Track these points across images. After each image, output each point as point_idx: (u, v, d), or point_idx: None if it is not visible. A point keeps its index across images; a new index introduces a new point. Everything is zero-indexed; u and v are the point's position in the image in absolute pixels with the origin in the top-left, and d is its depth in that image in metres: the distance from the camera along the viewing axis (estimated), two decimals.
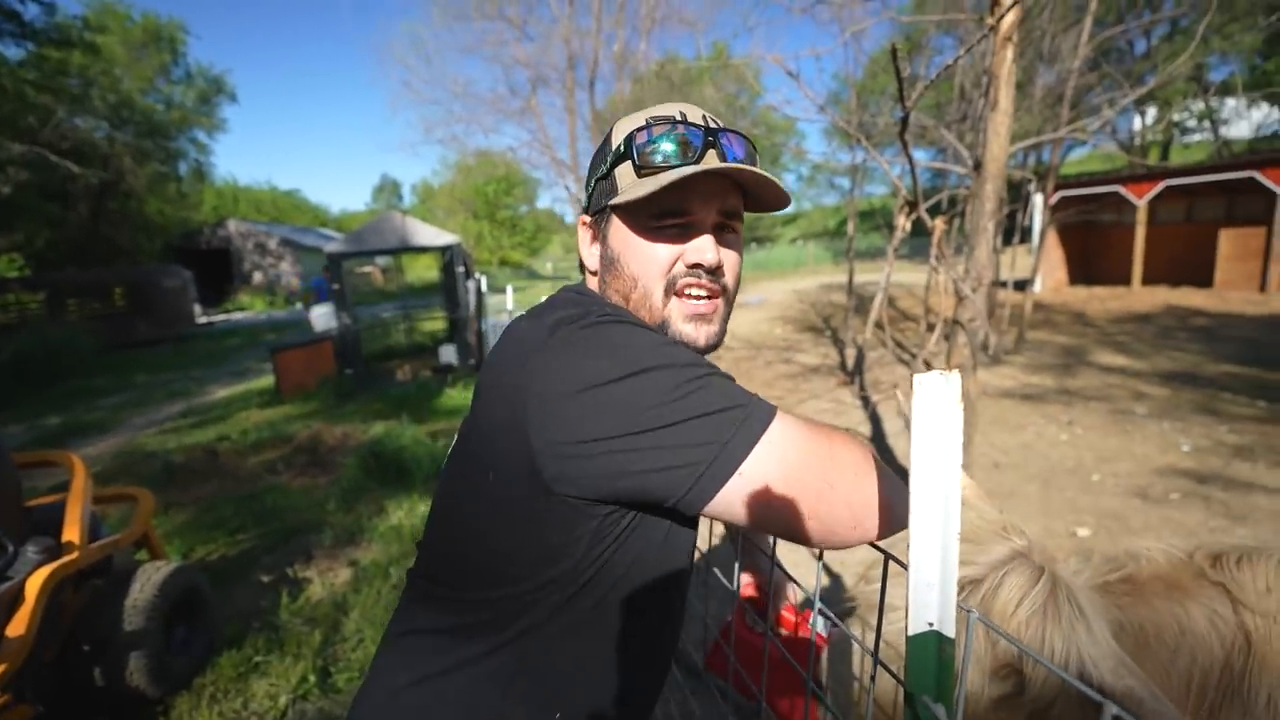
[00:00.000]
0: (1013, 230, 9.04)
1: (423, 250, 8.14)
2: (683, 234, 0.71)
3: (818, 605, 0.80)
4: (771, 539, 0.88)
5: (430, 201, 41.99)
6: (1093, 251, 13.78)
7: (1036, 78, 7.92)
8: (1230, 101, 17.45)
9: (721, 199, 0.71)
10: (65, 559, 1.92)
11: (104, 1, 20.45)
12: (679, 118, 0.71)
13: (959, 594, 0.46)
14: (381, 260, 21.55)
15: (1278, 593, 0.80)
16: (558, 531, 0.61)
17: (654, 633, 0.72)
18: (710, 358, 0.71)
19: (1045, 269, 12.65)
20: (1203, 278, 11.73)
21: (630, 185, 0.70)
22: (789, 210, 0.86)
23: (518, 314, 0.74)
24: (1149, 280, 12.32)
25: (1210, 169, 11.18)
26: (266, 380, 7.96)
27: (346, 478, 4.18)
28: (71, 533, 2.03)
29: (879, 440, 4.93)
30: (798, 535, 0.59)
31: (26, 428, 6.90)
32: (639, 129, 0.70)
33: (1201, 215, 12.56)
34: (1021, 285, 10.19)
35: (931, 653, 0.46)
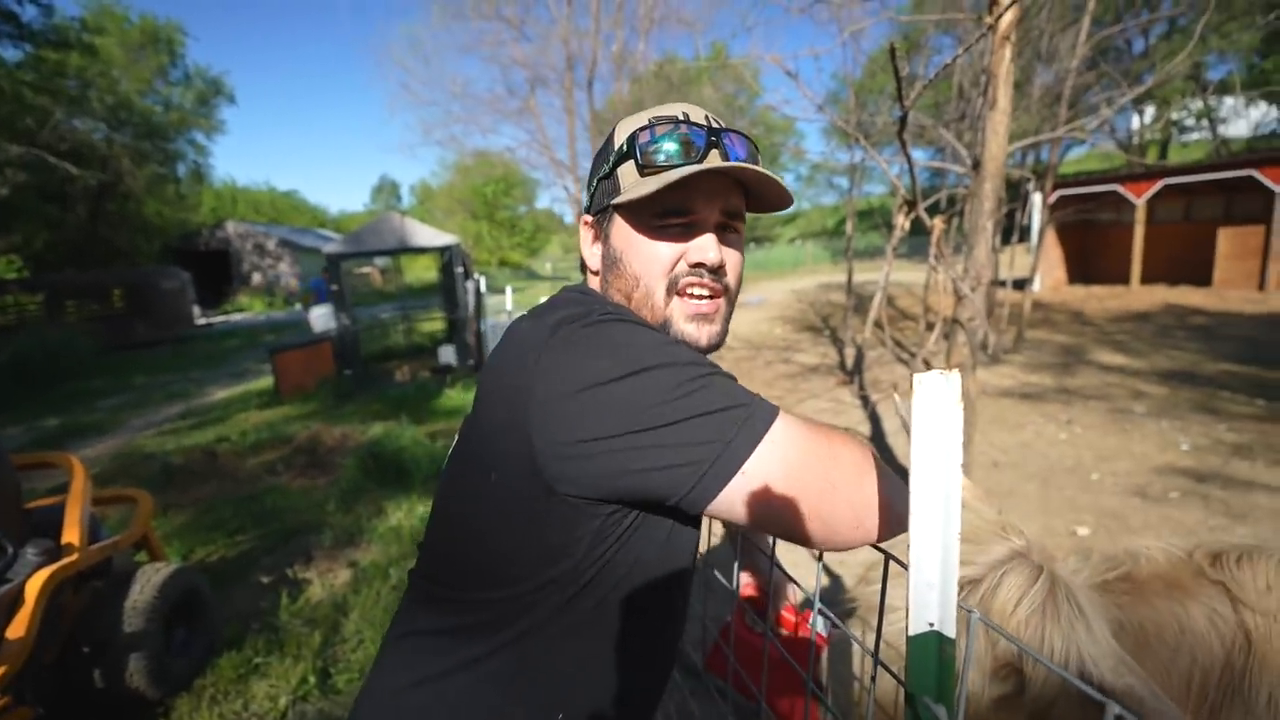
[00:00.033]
0: (1011, 229, 9.05)
1: (421, 251, 8.14)
2: (685, 233, 0.71)
3: (817, 605, 0.80)
4: (771, 539, 0.88)
5: (429, 202, 41.98)
6: (1091, 250, 13.80)
7: (1035, 77, 7.93)
8: (1228, 100, 17.47)
9: (724, 199, 0.71)
10: (65, 561, 1.92)
11: (102, 3, 20.43)
12: (682, 118, 0.71)
13: (957, 594, 0.46)
14: (380, 261, 21.58)
15: (1278, 591, 0.80)
16: (559, 531, 0.61)
17: (656, 633, 0.72)
18: (710, 358, 0.71)
19: (1044, 268, 12.66)
20: (1201, 276, 11.74)
21: (633, 184, 0.70)
22: (789, 210, 0.87)
23: (517, 314, 0.74)
24: (1148, 279, 12.33)
25: (1208, 168, 11.20)
26: (265, 381, 7.95)
27: (346, 479, 4.17)
28: (71, 534, 2.03)
29: (878, 439, 4.93)
30: (799, 535, 0.59)
31: (25, 429, 6.89)
32: (642, 128, 0.70)
33: (1200, 214, 12.58)
34: (1020, 284, 10.21)
35: (932, 653, 0.46)
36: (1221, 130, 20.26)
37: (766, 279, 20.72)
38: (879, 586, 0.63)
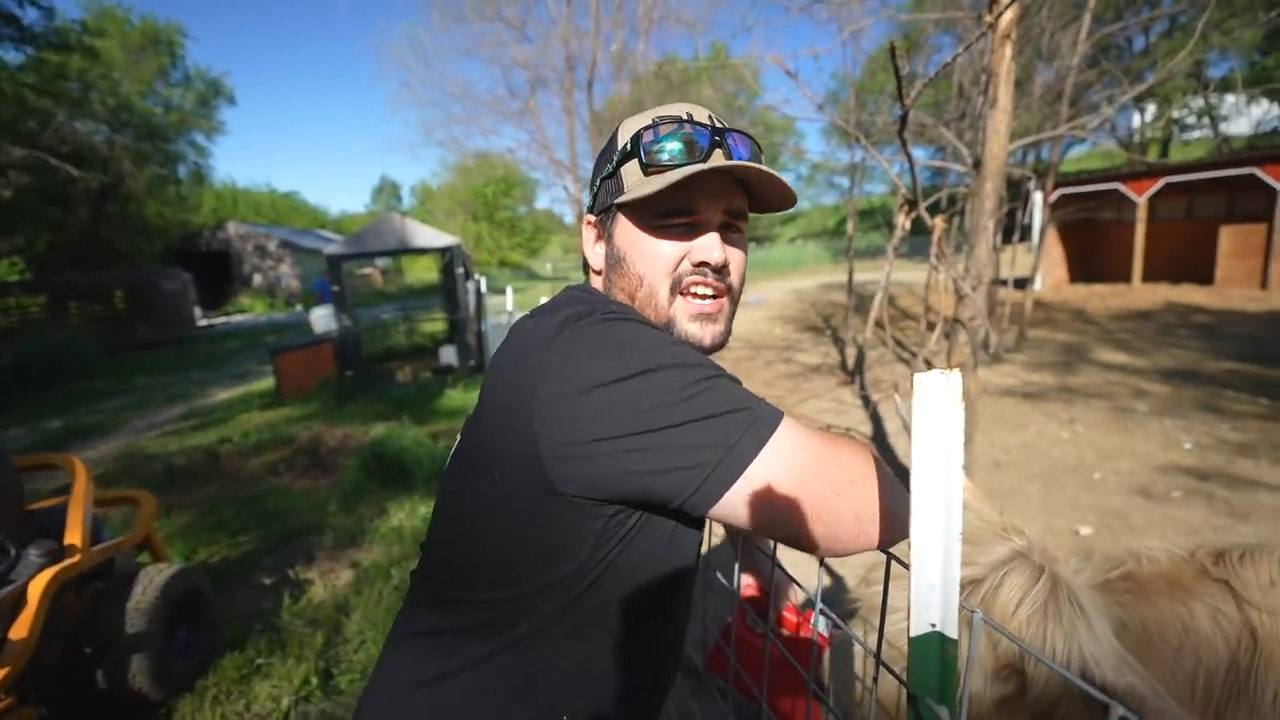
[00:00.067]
0: (1012, 228, 9.03)
1: (422, 252, 8.15)
2: (689, 232, 0.71)
3: (819, 606, 0.80)
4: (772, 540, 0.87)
5: (429, 203, 41.98)
6: (1093, 249, 13.77)
7: (1035, 75, 7.92)
8: (1230, 98, 17.42)
9: (727, 198, 0.72)
10: (67, 562, 1.92)
11: (102, 5, 20.49)
12: (686, 117, 0.71)
13: (959, 595, 0.46)
14: (381, 262, 21.59)
15: None
16: (562, 532, 0.61)
17: (659, 633, 0.72)
18: (711, 358, 0.71)
19: (1045, 267, 12.64)
20: (1203, 275, 11.71)
21: (637, 184, 0.70)
22: (791, 210, 0.87)
23: (518, 315, 0.74)
24: (1149, 277, 12.30)
25: (1210, 165, 11.16)
26: (267, 382, 7.96)
27: (347, 479, 4.18)
28: (74, 535, 2.03)
29: (879, 440, 4.92)
30: (800, 540, 0.59)
31: (28, 430, 6.90)
32: (646, 128, 0.70)
33: (1202, 212, 12.54)
34: (1022, 283, 10.19)
35: (934, 654, 0.46)
36: (1223, 128, 20.21)
37: (767, 279, 20.71)
38: (880, 587, 0.63)
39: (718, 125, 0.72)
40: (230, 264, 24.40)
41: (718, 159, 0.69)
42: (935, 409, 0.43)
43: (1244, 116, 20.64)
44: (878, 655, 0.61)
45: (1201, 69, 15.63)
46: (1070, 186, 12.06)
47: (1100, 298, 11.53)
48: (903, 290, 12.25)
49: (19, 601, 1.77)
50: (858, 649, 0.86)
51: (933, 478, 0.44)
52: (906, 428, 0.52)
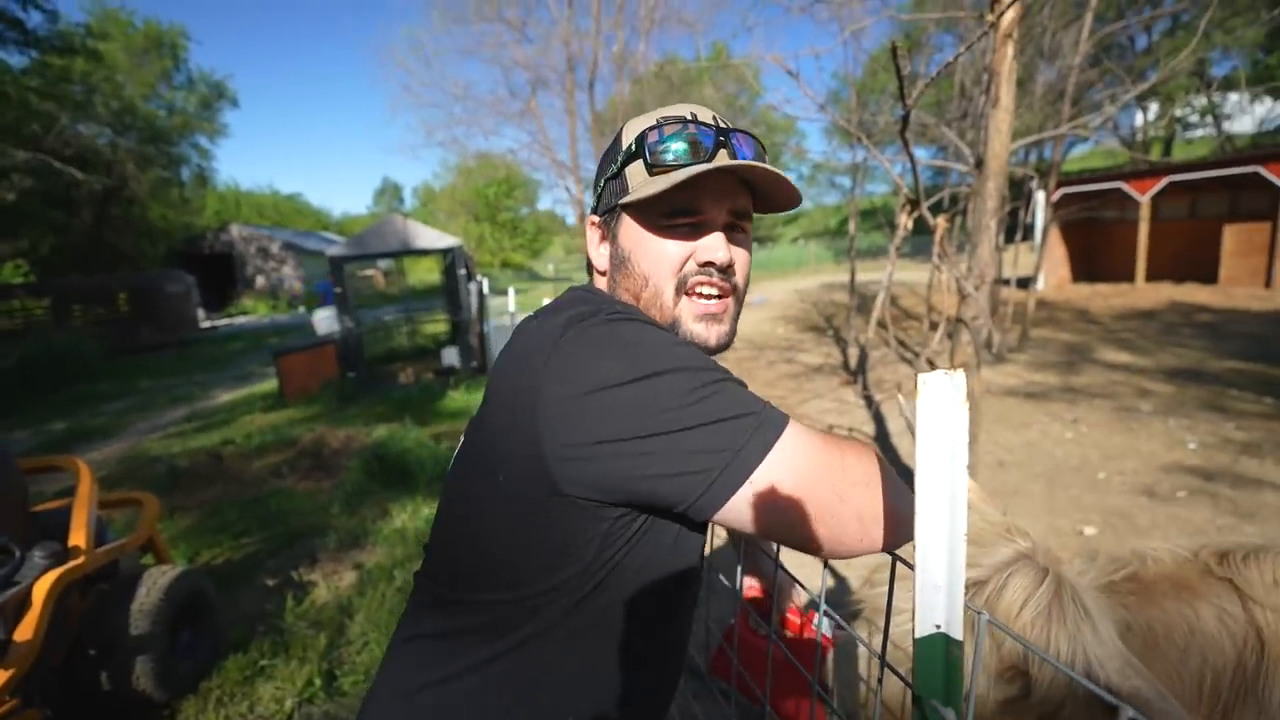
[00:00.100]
0: (1015, 228, 9.01)
1: (424, 253, 8.16)
2: (693, 232, 0.71)
3: (823, 607, 0.80)
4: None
5: (431, 204, 42.04)
6: (1096, 248, 13.73)
7: (1037, 74, 7.91)
8: (1233, 96, 17.37)
9: (732, 198, 0.72)
10: (72, 564, 1.93)
11: (106, 8, 20.58)
12: (690, 118, 0.71)
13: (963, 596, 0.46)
14: (383, 263, 21.61)
15: None
16: (567, 534, 0.61)
17: (664, 635, 0.72)
18: (713, 358, 0.71)
19: (1048, 266, 12.61)
20: (1207, 274, 11.67)
21: (642, 184, 0.70)
22: (794, 209, 0.87)
23: (520, 316, 0.74)
24: (1153, 277, 12.26)
25: (1213, 164, 11.13)
26: (270, 384, 7.97)
27: (350, 481, 4.18)
28: (78, 537, 2.04)
29: (883, 440, 4.91)
30: (805, 544, 0.59)
31: (32, 433, 6.92)
32: (650, 128, 0.70)
33: (1205, 211, 12.50)
34: (1024, 283, 10.16)
35: (939, 655, 0.46)
36: (1226, 127, 20.14)
37: (769, 279, 20.69)
38: (884, 588, 0.63)
39: (722, 125, 0.72)
40: (233, 266, 24.47)
41: (722, 159, 0.69)
42: (939, 409, 0.42)
43: (1247, 115, 20.55)
44: (882, 657, 0.61)
45: (1204, 67, 15.58)
46: (1073, 185, 12.03)
47: (1103, 297, 11.50)
48: (905, 290, 12.23)
49: (24, 603, 1.78)
50: (862, 650, 0.86)
51: (937, 478, 0.43)
52: (910, 428, 0.52)
